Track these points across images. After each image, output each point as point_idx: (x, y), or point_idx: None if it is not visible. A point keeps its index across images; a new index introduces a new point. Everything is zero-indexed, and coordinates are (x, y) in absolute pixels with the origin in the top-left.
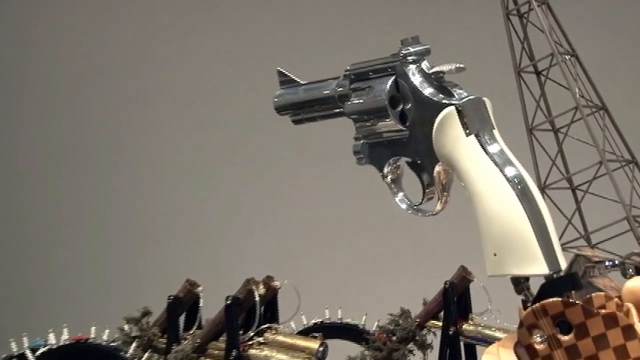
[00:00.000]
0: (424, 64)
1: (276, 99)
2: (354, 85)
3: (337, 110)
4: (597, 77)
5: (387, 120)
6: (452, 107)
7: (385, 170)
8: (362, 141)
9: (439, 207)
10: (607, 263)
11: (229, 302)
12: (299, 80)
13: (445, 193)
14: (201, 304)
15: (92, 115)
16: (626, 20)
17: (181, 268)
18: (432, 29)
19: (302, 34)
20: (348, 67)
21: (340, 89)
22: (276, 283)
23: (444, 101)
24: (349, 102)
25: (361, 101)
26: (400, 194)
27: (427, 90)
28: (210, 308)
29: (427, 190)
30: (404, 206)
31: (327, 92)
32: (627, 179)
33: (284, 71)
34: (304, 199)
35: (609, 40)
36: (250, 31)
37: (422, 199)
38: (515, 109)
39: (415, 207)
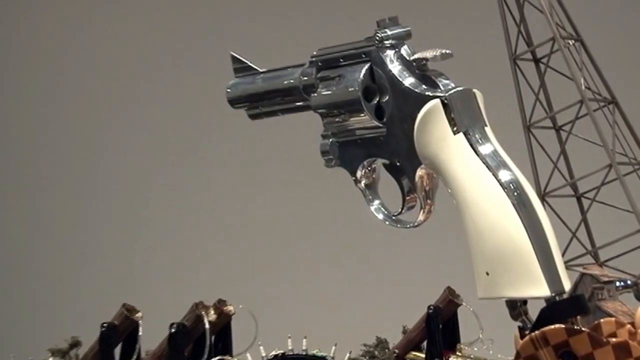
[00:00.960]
0: (404, 50)
1: (230, 90)
2: (321, 74)
3: (302, 103)
4: (605, 65)
5: (361, 115)
6: (437, 100)
7: (359, 173)
8: (331, 139)
9: (421, 217)
10: (618, 284)
11: (173, 330)
12: (256, 67)
13: (428, 201)
14: (140, 333)
15: (18, 130)
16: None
17: (117, 290)
18: (414, 8)
19: (261, 12)
20: (315, 53)
21: (306, 78)
22: (229, 308)
23: (427, 93)
24: (316, 94)
25: (330, 92)
26: (376, 202)
27: (408, 80)
28: (152, 337)
29: (408, 198)
30: (380, 216)
31: (290, 81)
32: None
33: (238, 56)
34: (262, 208)
35: (619, 23)
36: (203, 12)
37: (402, 208)
38: (511, 103)
39: (393, 217)
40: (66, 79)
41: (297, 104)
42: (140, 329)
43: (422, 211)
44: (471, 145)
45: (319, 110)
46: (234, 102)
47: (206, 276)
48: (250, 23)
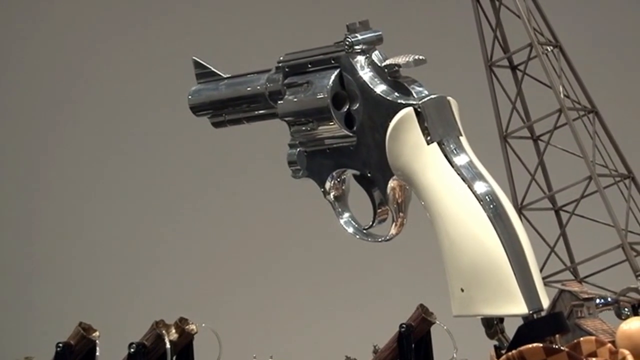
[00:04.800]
0: (376, 55)
1: (191, 96)
2: (288, 80)
3: (268, 110)
4: (585, 73)
5: (330, 123)
6: (410, 109)
7: (328, 185)
8: (298, 149)
9: (393, 231)
10: (598, 301)
11: (132, 350)
12: (220, 72)
13: (401, 214)
14: (98, 353)
15: None
16: (620, 5)
17: (73, 308)
18: (385, 12)
19: (224, 13)
20: (281, 58)
21: (272, 84)
22: (192, 327)
23: (399, 101)
24: (283, 101)
25: (297, 100)
26: (346, 215)
27: (379, 88)
28: (109, 358)
29: (379, 211)
30: (350, 230)
31: (256, 88)
32: (623, 197)
33: (201, 61)
34: (227, 224)
35: (599, 29)
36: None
37: (373, 221)
38: (486, 112)
39: (364, 230)
40: None
41: (263, 111)
42: (98, 349)
43: (394, 224)
44: (445, 156)
45: (286, 119)
46: (196, 109)
47: (167, 293)
48: (212, 25)
